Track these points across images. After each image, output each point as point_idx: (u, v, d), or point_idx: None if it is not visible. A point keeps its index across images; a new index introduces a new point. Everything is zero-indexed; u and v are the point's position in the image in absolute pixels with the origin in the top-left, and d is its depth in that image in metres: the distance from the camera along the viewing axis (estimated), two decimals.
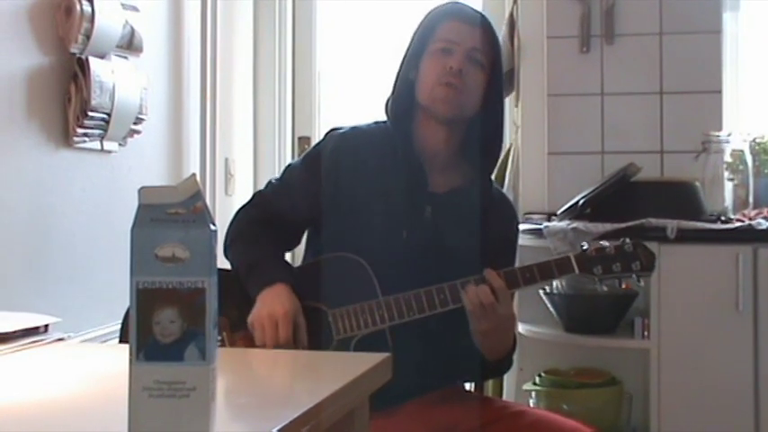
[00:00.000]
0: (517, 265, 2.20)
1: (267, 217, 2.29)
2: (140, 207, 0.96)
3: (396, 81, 2.30)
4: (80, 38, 2.64)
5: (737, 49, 3.74)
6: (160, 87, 3.28)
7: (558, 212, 3.26)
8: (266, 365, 1.57)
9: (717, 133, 3.39)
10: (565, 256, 2.15)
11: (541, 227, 3.13)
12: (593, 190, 3.14)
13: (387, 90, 2.33)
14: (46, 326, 1.66)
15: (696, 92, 3.53)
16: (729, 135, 3.41)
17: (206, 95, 3.64)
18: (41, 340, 1.61)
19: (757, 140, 3.47)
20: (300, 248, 2.41)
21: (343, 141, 2.28)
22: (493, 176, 2.38)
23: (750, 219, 3.09)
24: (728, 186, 3.37)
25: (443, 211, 2.23)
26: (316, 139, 4.09)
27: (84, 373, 1.42)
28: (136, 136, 2.99)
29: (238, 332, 2.13)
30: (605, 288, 2.20)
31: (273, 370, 1.50)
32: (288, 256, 3.58)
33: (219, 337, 2.08)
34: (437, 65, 2.20)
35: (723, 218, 3.12)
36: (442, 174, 2.27)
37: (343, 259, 2.15)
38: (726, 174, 3.36)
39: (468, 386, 2.48)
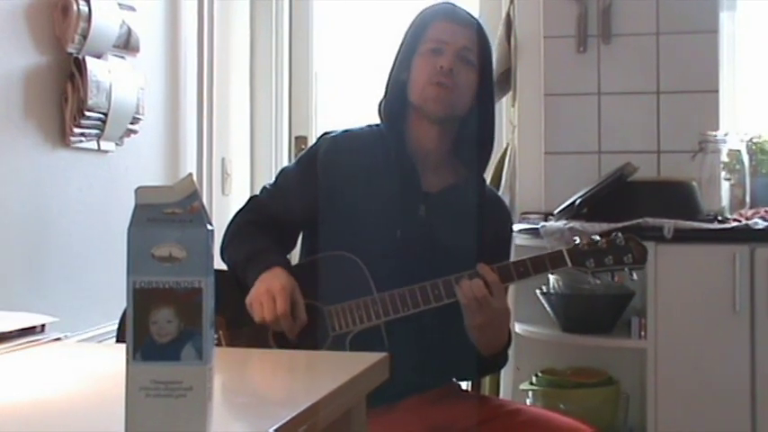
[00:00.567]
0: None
1: (263, 220, 2.30)
2: (137, 207, 0.96)
3: (388, 82, 2.32)
4: (77, 37, 2.64)
5: (734, 49, 3.74)
6: (157, 87, 3.28)
7: (555, 212, 3.26)
8: (263, 365, 1.57)
9: (714, 133, 3.39)
10: (557, 250, 2.18)
11: (538, 226, 3.13)
12: (590, 190, 3.13)
13: (383, 91, 2.34)
14: (43, 325, 1.66)
15: (693, 91, 3.53)
16: (726, 135, 3.41)
17: (203, 95, 3.64)
18: (38, 340, 1.61)
19: (754, 140, 3.47)
20: (296, 250, 2.41)
21: (336, 144, 2.30)
22: (487, 176, 2.39)
23: (747, 218, 3.09)
24: (725, 186, 3.37)
25: (437, 210, 2.25)
26: (312, 139, 4.10)
27: (80, 372, 1.42)
28: (133, 136, 2.99)
29: (235, 331, 2.13)
30: (598, 282, 2.21)
31: (270, 369, 1.50)
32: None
33: (216, 336, 2.08)
34: (428, 65, 2.22)
35: (720, 218, 3.12)
36: (435, 173, 2.28)
37: (338, 258, 2.15)
38: (723, 173, 3.36)
39: (464, 385, 2.48)
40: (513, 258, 2.32)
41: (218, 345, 2.09)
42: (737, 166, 3.36)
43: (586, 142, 3.61)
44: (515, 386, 3.35)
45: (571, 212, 3.15)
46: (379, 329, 2.11)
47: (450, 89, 2.20)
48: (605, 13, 3.59)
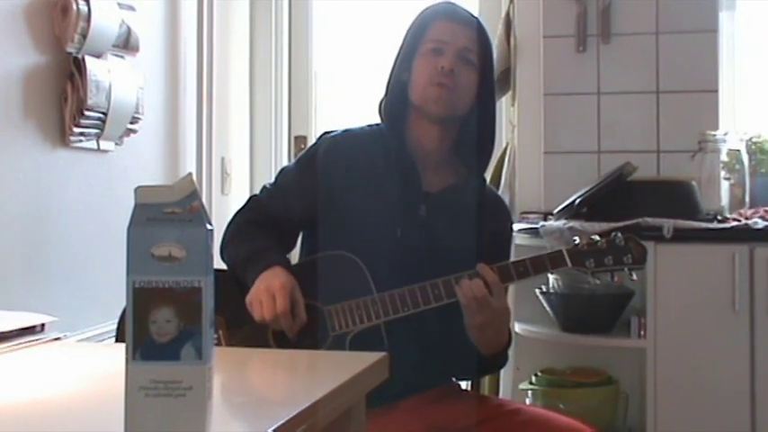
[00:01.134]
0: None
1: (263, 219, 2.30)
2: (137, 206, 0.96)
3: (389, 81, 2.32)
4: (76, 37, 2.64)
5: (734, 49, 3.74)
6: (156, 87, 3.28)
7: (555, 212, 3.26)
8: (262, 365, 1.57)
9: (713, 132, 3.39)
10: (557, 250, 2.18)
11: (538, 226, 3.13)
12: (590, 189, 3.13)
13: (383, 90, 2.34)
14: (42, 325, 1.66)
15: (692, 91, 3.53)
16: (726, 134, 3.41)
17: (202, 95, 3.64)
18: (38, 340, 1.61)
19: (754, 140, 3.47)
20: (296, 250, 2.41)
21: (336, 144, 2.30)
22: (487, 176, 2.39)
23: (746, 218, 3.09)
24: (725, 186, 3.37)
25: (437, 210, 2.25)
26: (312, 139, 4.10)
27: (80, 372, 1.42)
28: (132, 135, 2.99)
29: (235, 331, 2.13)
30: (598, 282, 2.21)
31: (270, 369, 1.50)
32: None
33: (216, 335, 2.08)
34: (429, 65, 2.22)
35: (719, 217, 3.12)
36: (436, 173, 2.28)
37: (338, 257, 2.15)
38: (722, 173, 3.36)
39: (464, 385, 2.48)
40: (512, 258, 2.33)
41: (218, 344, 2.09)
42: (737, 166, 3.36)
43: (586, 142, 3.61)
44: (515, 386, 3.35)
45: (571, 212, 3.15)
46: (378, 329, 2.11)
47: (451, 89, 2.21)
48: (605, 12, 3.59)
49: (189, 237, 0.95)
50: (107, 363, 1.48)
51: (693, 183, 3.23)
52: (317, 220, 2.23)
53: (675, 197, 3.17)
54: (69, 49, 2.65)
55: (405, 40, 2.31)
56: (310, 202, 2.22)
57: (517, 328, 3.22)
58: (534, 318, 3.28)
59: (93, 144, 2.80)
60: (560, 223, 3.09)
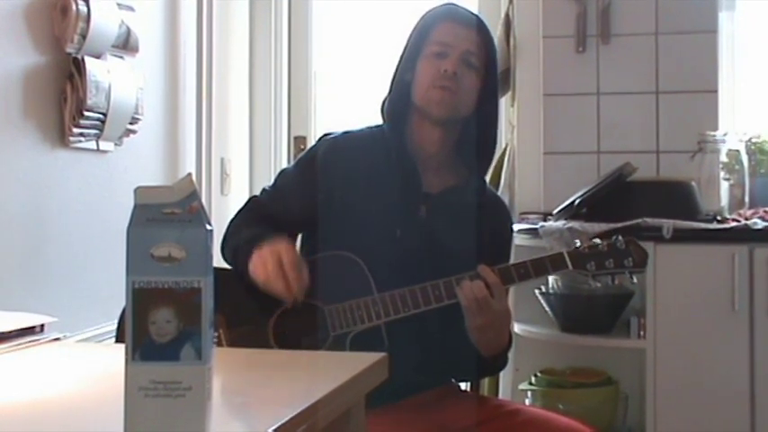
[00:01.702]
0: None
1: (262, 218, 2.30)
2: (136, 207, 0.96)
3: (392, 82, 2.32)
4: (76, 38, 2.64)
5: (733, 49, 3.74)
6: (156, 87, 3.28)
7: (554, 212, 3.26)
8: (262, 365, 1.57)
9: (713, 133, 3.39)
10: (558, 252, 2.19)
11: (537, 227, 3.13)
12: (589, 190, 3.13)
13: (382, 90, 2.35)
14: (42, 325, 1.66)
15: (692, 91, 3.53)
16: (725, 135, 3.41)
17: (202, 95, 3.64)
18: (37, 340, 1.61)
19: (753, 140, 3.47)
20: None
21: (336, 145, 2.31)
22: (487, 177, 2.40)
23: (746, 219, 3.09)
24: (724, 186, 3.38)
25: (438, 211, 2.25)
26: (311, 139, 4.10)
27: (80, 372, 1.42)
28: (132, 136, 2.99)
29: (235, 330, 2.14)
30: (598, 284, 2.22)
31: (269, 370, 1.50)
32: None
33: (216, 334, 2.09)
34: (432, 68, 2.22)
35: (719, 218, 3.12)
36: (437, 174, 2.29)
37: (339, 257, 2.15)
38: (722, 173, 3.36)
39: (463, 386, 2.48)
40: (512, 259, 2.33)
41: (218, 343, 2.09)
42: (736, 166, 3.36)
43: (585, 142, 3.61)
44: (514, 386, 3.35)
45: (570, 212, 3.15)
46: (379, 329, 2.11)
47: (454, 92, 2.21)
48: (604, 12, 3.59)
49: (188, 237, 0.95)
50: (107, 363, 1.48)
51: (693, 183, 3.23)
52: (316, 220, 2.23)
53: (675, 198, 3.17)
54: (69, 50, 2.65)
55: (409, 40, 2.31)
56: (310, 203, 2.22)
57: (517, 328, 3.22)
58: (534, 318, 3.28)
59: (92, 144, 2.80)
60: (560, 224, 3.09)
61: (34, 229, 2.60)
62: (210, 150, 3.69)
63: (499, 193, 3.66)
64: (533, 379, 3.24)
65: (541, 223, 3.19)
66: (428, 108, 2.23)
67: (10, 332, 1.58)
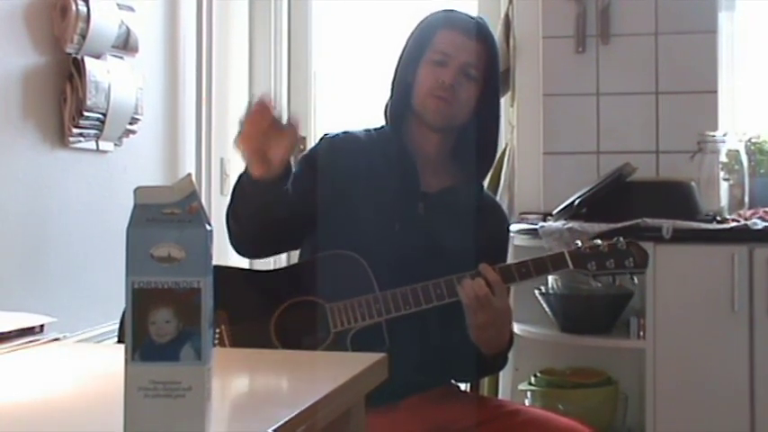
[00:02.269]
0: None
1: None
2: (136, 207, 0.96)
3: (393, 83, 2.34)
4: (76, 38, 2.64)
5: (733, 49, 3.74)
6: (156, 87, 3.28)
7: (554, 212, 3.26)
8: (262, 365, 1.57)
9: (712, 133, 3.39)
10: (559, 252, 2.20)
11: (537, 227, 3.13)
12: (589, 190, 3.13)
13: (382, 91, 2.37)
14: (41, 326, 1.66)
15: (692, 92, 3.53)
16: (725, 135, 3.41)
17: (201, 95, 3.64)
18: (37, 340, 1.61)
19: (753, 140, 3.48)
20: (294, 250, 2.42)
21: (336, 143, 2.32)
22: (486, 182, 2.42)
23: (746, 219, 3.09)
24: (724, 186, 3.38)
25: (435, 209, 2.27)
26: (311, 139, 4.10)
27: (79, 373, 1.42)
28: (131, 136, 2.99)
29: (237, 327, 2.14)
30: (599, 285, 2.23)
31: (269, 370, 1.50)
32: (283, 259, 3.58)
33: (218, 330, 2.10)
34: (430, 76, 2.25)
35: (719, 218, 3.12)
36: (435, 175, 2.31)
37: (340, 256, 2.16)
38: (721, 174, 3.36)
39: (463, 386, 2.49)
40: (511, 260, 2.34)
41: (220, 340, 2.10)
42: (736, 167, 3.36)
43: (585, 142, 3.61)
44: (514, 386, 3.35)
45: (570, 213, 3.15)
46: (380, 328, 2.12)
47: (450, 103, 2.24)
48: (604, 13, 3.59)
49: (188, 237, 0.95)
50: (106, 363, 1.48)
51: (693, 183, 3.23)
52: (316, 219, 2.24)
53: (675, 198, 3.18)
54: (68, 50, 2.65)
55: (409, 41, 2.33)
56: (310, 201, 2.23)
57: (517, 328, 3.21)
58: (533, 318, 3.28)
59: (92, 144, 2.80)
60: (560, 224, 3.09)
61: (34, 230, 2.60)
62: (210, 150, 3.69)
63: (499, 193, 3.67)
64: (533, 379, 3.24)
65: (541, 223, 3.19)
66: (425, 115, 2.27)
67: (9, 332, 1.58)
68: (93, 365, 1.50)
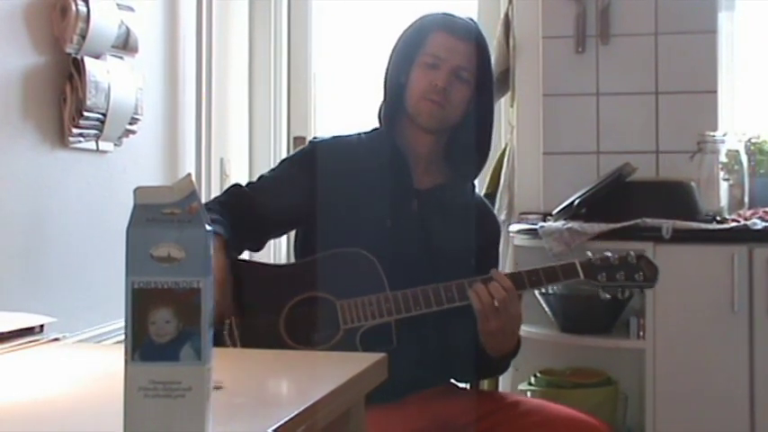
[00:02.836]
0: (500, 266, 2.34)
1: (235, 203, 2.31)
2: (136, 207, 0.96)
3: (385, 82, 2.37)
4: (75, 38, 2.64)
5: (733, 49, 3.74)
6: (155, 87, 3.27)
7: (554, 212, 3.26)
8: (262, 365, 1.57)
9: (712, 133, 3.39)
10: (570, 262, 2.21)
11: (537, 227, 3.13)
12: (589, 190, 3.14)
13: (381, 91, 2.38)
14: (41, 326, 1.66)
15: (692, 92, 3.54)
16: (725, 135, 3.42)
17: (201, 96, 3.64)
18: (37, 340, 1.61)
19: (753, 140, 3.48)
20: (287, 246, 2.43)
21: (327, 146, 2.35)
22: (485, 176, 2.45)
23: (746, 219, 3.09)
24: (724, 186, 3.38)
25: (428, 206, 2.30)
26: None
27: (79, 373, 1.42)
28: (131, 136, 2.99)
29: (247, 320, 2.15)
30: (608, 296, 2.24)
31: (269, 370, 1.50)
32: (283, 254, 3.58)
33: (227, 322, 2.11)
34: (423, 79, 2.28)
35: (718, 218, 3.12)
36: (427, 172, 2.34)
37: (352, 254, 2.18)
38: (721, 174, 3.37)
39: (462, 385, 2.49)
40: (505, 262, 2.36)
41: (229, 332, 2.11)
42: (736, 167, 3.36)
43: (585, 143, 3.61)
44: (514, 386, 3.35)
45: (570, 213, 3.15)
46: (389, 327, 2.14)
47: (442, 106, 2.27)
48: (604, 13, 3.59)
49: (188, 237, 0.95)
50: (106, 363, 1.48)
51: (692, 183, 3.23)
52: (302, 219, 2.29)
53: (674, 198, 3.18)
54: (68, 50, 2.65)
55: (400, 43, 2.36)
56: (298, 202, 2.27)
57: None
58: (533, 318, 3.28)
59: (92, 145, 2.80)
60: (560, 224, 3.09)
61: (34, 230, 2.60)
62: (210, 151, 3.69)
63: (499, 193, 3.68)
64: (533, 379, 3.24)
65: (541, 223, 3.19)
66: (418, 118, 2.29)
67: (9, 332, 1.58)
68: (92, 365, 1.50)
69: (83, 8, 2.64)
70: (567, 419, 2.21)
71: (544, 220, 3.29)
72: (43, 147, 2.62)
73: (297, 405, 1.09)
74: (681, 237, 2.94)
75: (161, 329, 0.95)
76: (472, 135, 2.33)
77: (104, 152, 2.90)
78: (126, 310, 0.95)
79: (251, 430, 1.06)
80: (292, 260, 2.46)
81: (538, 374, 3.25)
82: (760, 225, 2.96)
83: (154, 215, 0.95)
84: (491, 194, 3.68)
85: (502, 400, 2.33)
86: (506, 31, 3.75)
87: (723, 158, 3.37)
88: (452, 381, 2.39)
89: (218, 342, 2.10)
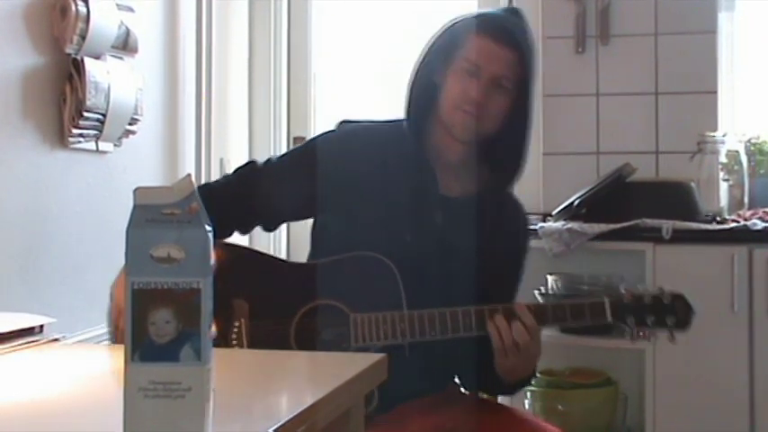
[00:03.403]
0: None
1: (231, 193, 2.23)
2: (135, 207, 0.96)
3: (414, 82, 2.19)
4: (75, 38, 2.64)
5: (733, 50, 3.74)
6: (155, 88, 3.27)
7: (554, 213, 3.26)
8: (262, 366, 1.57)
9: (712, 134, 3.40)
10: (599, 301, 2.07)
11: (537, 227, 3.13)
12: (589, 190, 3.14)
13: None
14: (41, 326, 1.66)
15: (691, 92, 3.54)
16: (725, 135, 3.42)
17: (201, 96, 3.64)
18: (36, 341, 1.61)
19: (752, 141, 3.48)
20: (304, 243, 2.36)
21: (353, 134, 2.22)
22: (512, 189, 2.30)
23: (745, 219, 3.09)
24: (724, 187, 3.38)
25: (454, 217, 2.16)
26: None
27: (79, 373, 1.42)
28: (131, 136, 2.99)
29: (256, 321, 2.07)
30: (633, 339, 2.13)
31: (269, 370, 1.50)
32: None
33: (236, 324, 2.05)
34: (459, 86, 2.10)
35: (718, 218, 3.13)
36: (456, 178, 2.20)
37: (374, 261, 2.06)
38: (721, 174, 3.37)
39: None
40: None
41: (238, 336, 2.04)
42: (736, 167, 3.36)
43: (585, 143, 3.61)
44: None
45: (570, 213, 3.15)
46: (401, 346, 2.03)
47: (478, 117, 2.09)
48: (604, 13, 3.59)
49: (188, 238, 0.95)
50: (106, 364, 1.48)
51: (692, 184, 3.23)
52: (317, 209, 2.19)
53: (674, 198, 3.18)
54: (68, 51, 2.65)
55: (437, 43, 2.18)
56: (313, 191, 2.15)
57: None
58: None
59: (91, 145, 2.80)
60: (559, 224, 3.10)
61: (33, 230, 2.60)
62: (210, 151, 3.69)
63: None
64: (533, 379, 3.24)
65: (541, 224, 3.19)
66: (451, 128, 2.12)
67: (9, 333, 1.58)
68: (92, 366, 1.50)
69: (82, 8, 2.64)
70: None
71: (544, 221, 3.29)
72: (43, 147, 2.62)
73: (296, 406, 1.09)
74: (681, 237, 2.94)
75: (161, 330, 0.95)
76: (511, 141, 2.18)
77: (104, 152, 2.90)
78: (126, 310, 0.95)
79: (251, 430, 1.06)
80: (294, 252, 2.41)
81: (537, 375, 3.24)
82: (760, 225, 2.96)
83: (154, 216, 0.95)
84: None
85: (500, 410, 2.26)
86: None
87: (723, 159, 3.37)
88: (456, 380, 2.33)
89: (225, 343, 2.04)
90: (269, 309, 2.07)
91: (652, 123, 3.56)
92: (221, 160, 3.82)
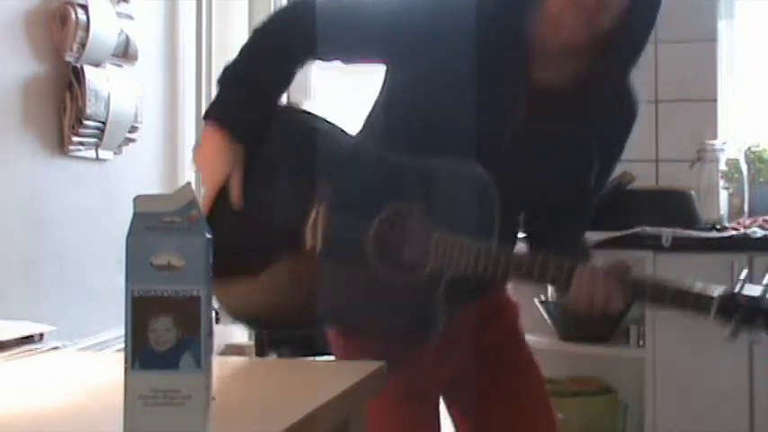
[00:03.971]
0: None
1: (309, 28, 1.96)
2: (135, 215, 0.96)
3: None
4: (75, 46, 2.64)
5: (733, 58, 3.74)
6: (155, 95, 3.28)
7: None
8: (261, 373, 1.57)
9: (712, 142, 3.40)
10: (708, 295, 1.90)
11: None
12: None
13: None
14: (41, 334, 1.66)
15: (691, 100, 3.54)
16: (724, 144, 3.42)
17: (201, 103, 3.64)
18: (36, 349, 1.61)
19: (752, 149, 3.48)
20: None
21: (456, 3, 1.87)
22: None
23: (745, 227, 3.09)
24: (723, 195, 3.38)
25: (545, 110, 1.88)
26: None
27: (79, 381, 1.42)
28: (131, 144, 2.99)
29: (336, 215, 1.82)
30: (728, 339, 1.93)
31: (269, 378, 1.50)
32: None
33: (314, 212, 1.81)
34: None
35: (718, 226, 3.13)
36: (554, 63, 1.89)
37: (473, 177, 1.78)
38: (721, 182, 3.37)
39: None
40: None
41: (313, 224, 1.81)
42: (736, 175, 3.36)
43: None
44: None
45: None
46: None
47: (596, 13, 1.80)
48: None
49: (188, 246, 0.95)
50: (106, 372, 1.48)
51: (692, 192, 3.23)
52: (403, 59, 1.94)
53: (674, 206, 3.18)
54: (68, 59, 2.65)
55: None
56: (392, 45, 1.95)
57: None
58: (533, 327, 3.26)
59: (91, 153, 2.80)
60: None
61: (33, 238, 2.60)
62: None
63: None
64: None
65: None
66: (558, 29, 1.80)
67: (9, 341, 1.58)
68: (92, 374, 1.50)
69: (82, 17, 2.65)
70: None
71: None
72: (43, 155, 2.62)
73: (296, 413, 1.09)
74: (680, 245, 2.94)
75: (161, 337, 0.95)
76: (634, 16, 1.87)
77: (104, 160, 2.90)
78: (126, 318, 0.95)
79: None
80: None
81: None
82: (760, 233, 2.96)
83: (153, 223, 0.95)
84: None
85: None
86: None
87: (723, 167, 3.37)
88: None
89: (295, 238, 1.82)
90: (350, 201, 1.83)
91: (652, 131, 3.56)
92: None
